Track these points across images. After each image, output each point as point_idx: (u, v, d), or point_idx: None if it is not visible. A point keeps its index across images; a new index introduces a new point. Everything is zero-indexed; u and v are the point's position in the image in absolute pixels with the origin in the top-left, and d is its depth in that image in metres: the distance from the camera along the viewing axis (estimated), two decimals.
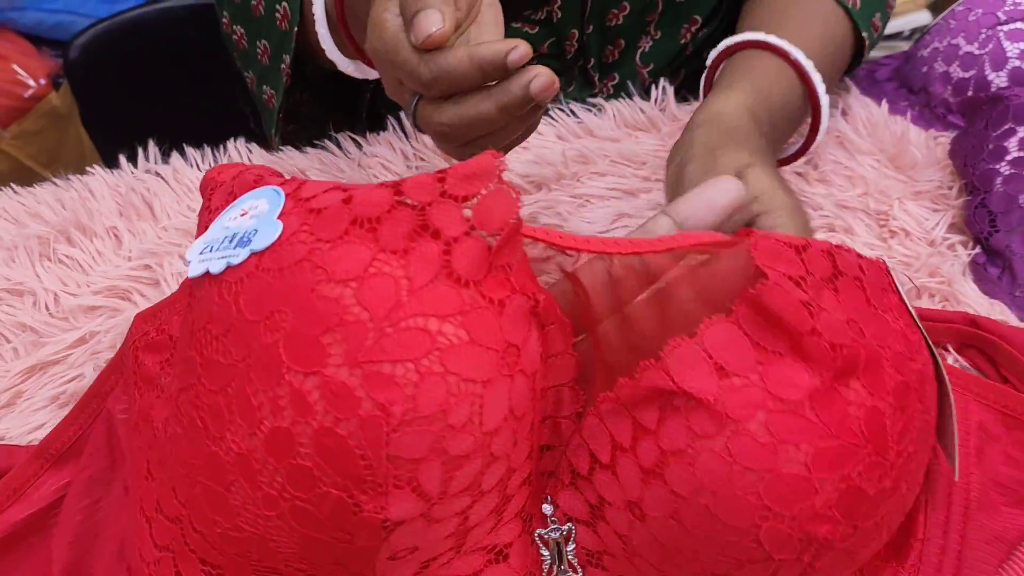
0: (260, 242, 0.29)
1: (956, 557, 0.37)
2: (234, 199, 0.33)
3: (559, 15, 0.66)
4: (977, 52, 0.63)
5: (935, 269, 0.53)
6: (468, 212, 0.29)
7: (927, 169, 0.62)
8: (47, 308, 0.50)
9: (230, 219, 0.32)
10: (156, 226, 0.55)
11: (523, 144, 0.61)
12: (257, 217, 0.30)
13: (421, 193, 0.29)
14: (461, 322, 0.28)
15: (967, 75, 0.64)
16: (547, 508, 0.33)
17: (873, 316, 0.32)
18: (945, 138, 0.64)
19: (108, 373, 0.40)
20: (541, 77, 0.37)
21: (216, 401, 0.29)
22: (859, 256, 0.34)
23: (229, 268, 0.30)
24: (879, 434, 0.30)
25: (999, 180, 0.55)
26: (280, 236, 0.29)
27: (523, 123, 0.41)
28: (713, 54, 0.58)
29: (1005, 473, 0.39)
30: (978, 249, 0.55)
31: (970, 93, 0.64)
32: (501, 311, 0.29)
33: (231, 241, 0.30)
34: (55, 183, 0.59)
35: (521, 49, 0.36)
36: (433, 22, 0.37)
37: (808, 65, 0.54)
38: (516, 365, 0.29)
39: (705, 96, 0.57)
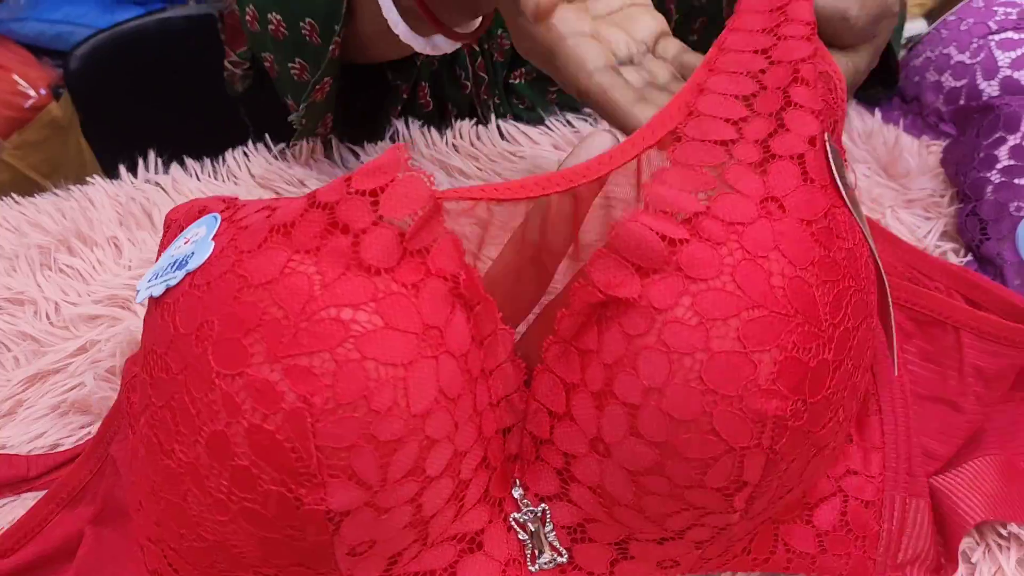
0: (194, 263, 0.31)
1: (907, 459, 0.38)
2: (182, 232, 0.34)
3: None
4: (969, 61, 0.64)
5: None
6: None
7: (919, 177, 0.62)
8: (48, 317, 0.50)
9: (175, 248, 0.33)
10: (155, 235, 0.56)
11: (519, 153, 0.62)
12: (195, 242, 0.32)
13: (331, 195, 0.29)
14: (375, 309, 0.28)
15: (959, 84, 0.65)
16: (517, 492, 0.33)
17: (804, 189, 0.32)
18: (937, 146, 0.65)
19: (112, 418, 0.41)
20: None
21: (164, 416, 0.30)
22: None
23: (168, 290, 0.31)
24: (808, 304, 0.30)
25: (990, 188, 0.56)
26: (211, 254, 0.30)
27: None
28: None
29: (921, 369, 0.40)
30: (970, 257, 0.56)
31: (962, 102, 0.64)
32: (416, 294, 0.29)
33: (172, 267, 0.32)
34: (55, 193, 0.59)
35: None
36: None
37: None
38: (441, 347, 0.29)
39: None
